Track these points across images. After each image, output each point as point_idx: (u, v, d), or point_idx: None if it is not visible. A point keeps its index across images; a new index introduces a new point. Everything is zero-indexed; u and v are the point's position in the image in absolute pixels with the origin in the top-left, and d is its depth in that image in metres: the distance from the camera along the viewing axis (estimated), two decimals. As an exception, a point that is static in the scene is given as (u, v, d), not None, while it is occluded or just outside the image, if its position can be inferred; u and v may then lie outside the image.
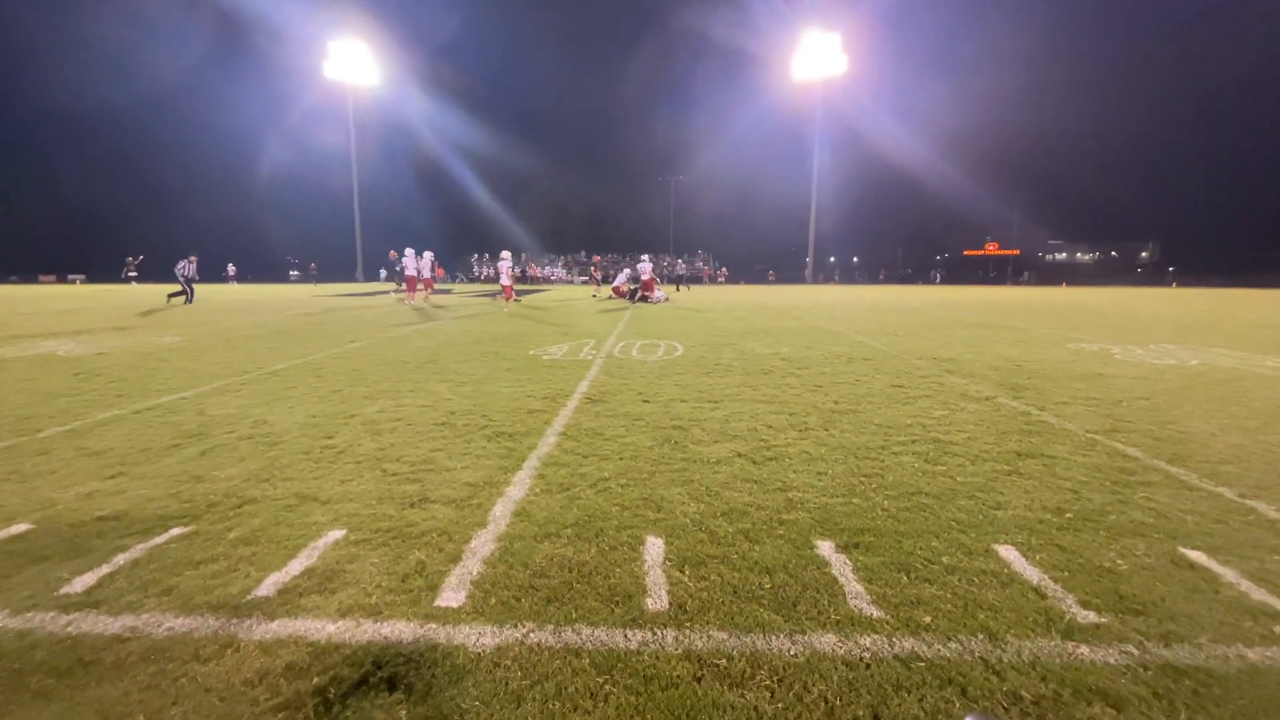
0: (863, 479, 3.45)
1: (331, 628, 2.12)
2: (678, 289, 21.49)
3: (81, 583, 2.40)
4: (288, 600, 2.28)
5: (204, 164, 55.35)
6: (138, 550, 2.64)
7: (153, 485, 3.38)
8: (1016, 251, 64.69)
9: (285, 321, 12.01)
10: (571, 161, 67.16)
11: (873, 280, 53.55)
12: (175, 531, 2.79)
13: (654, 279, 22.00)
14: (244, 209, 54.31)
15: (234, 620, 2.16)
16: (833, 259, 67.66)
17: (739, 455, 3.85)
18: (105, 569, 2.49)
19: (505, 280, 18.73)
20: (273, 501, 3.14)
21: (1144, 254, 68.18)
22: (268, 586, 2.36)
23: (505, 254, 19.22)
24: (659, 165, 65.87)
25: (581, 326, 12.51)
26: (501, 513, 3.00)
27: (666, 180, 64.24)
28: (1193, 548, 2.68)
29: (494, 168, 63.42)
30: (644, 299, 20.92)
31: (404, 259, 19.17)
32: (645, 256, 22.63)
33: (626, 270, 23.44)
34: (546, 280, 52.31)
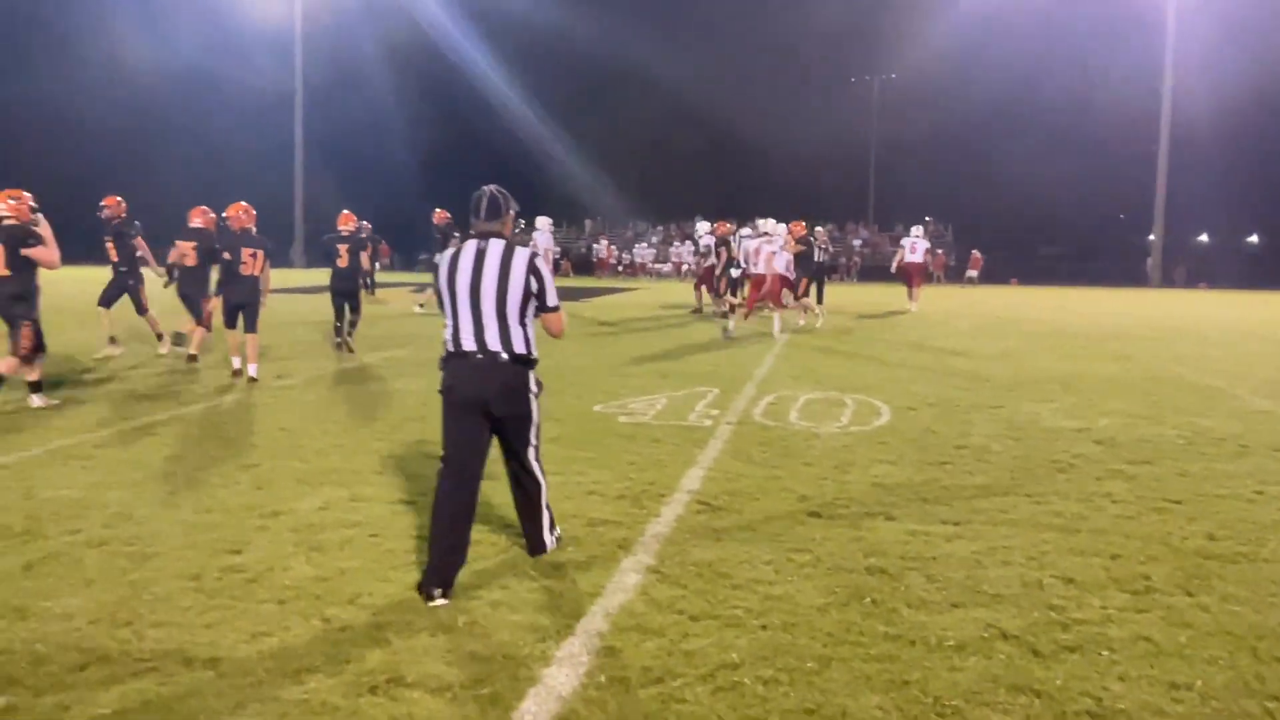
0: (1270, 704, 3.19)
1: None
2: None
3: None
4: None
5: (50, 85, 61.03)
6: (-85, 735, 2.90)
7: (-53, 619, 3.72)
8: None
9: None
10: (674, 51, 67.15)
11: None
12: (-23, 706, 3.05)
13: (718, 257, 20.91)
14: (129, 154, 59.49)
15: None
16: (1205, 238, 64.03)
17: (1002, 636, 3.70)
18: None
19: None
20: (136, 663, 3.35)
21: None
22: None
23: (543, 221, 23.58)
24: (842, 57, 65.26)
25: (693, 361, 12.63)
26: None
27: (862, 83, 63.94)
28: None
29: (530, 70, 65.40)
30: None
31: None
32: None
33: (704, 235, 23.24)
34: (629, 270, 53.35)
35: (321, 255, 17.11)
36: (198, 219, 11.92)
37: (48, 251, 8.35)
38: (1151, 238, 50.82)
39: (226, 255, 10.47)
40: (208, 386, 9.90)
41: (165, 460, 6.55)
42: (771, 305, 17.35)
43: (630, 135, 67.73)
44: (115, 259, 12.20)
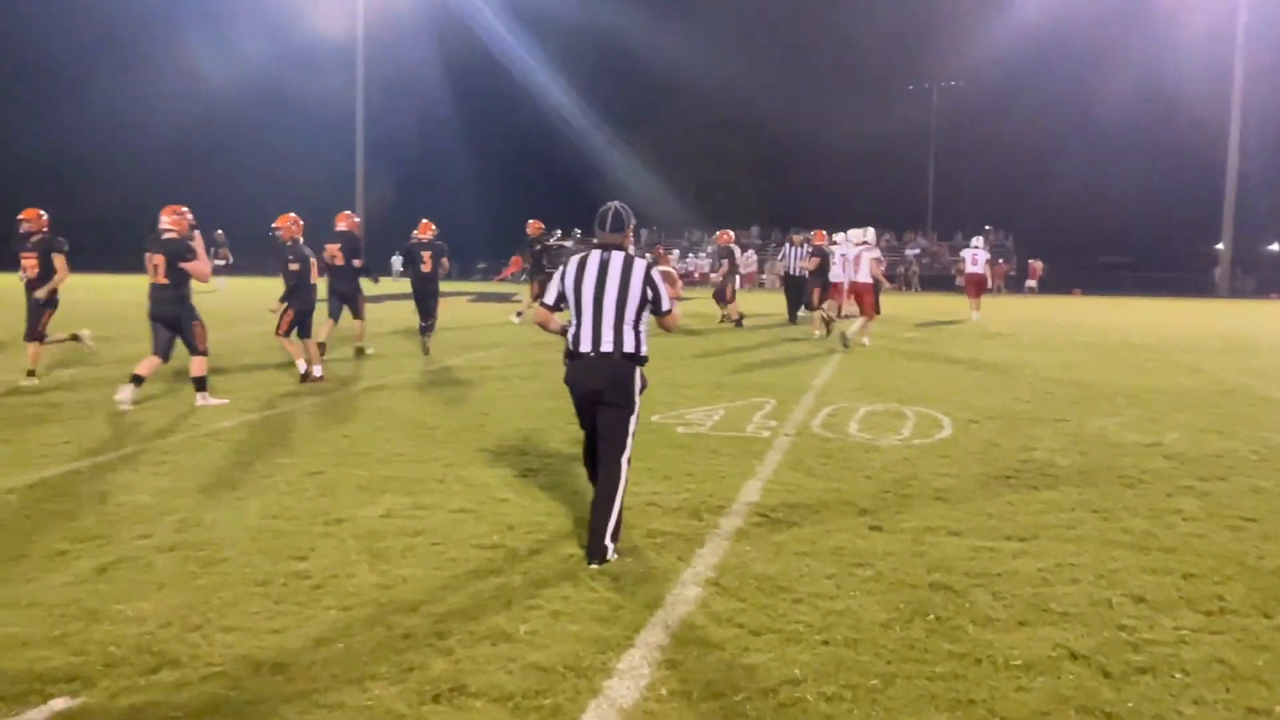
0: (1356, 735, 3.08)
1: None
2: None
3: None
4: None
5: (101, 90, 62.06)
6: (-3, 733, 3.00)
7: (26, 620, 3.84)
8: None
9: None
10: (731, 59, 66.54)
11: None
12: (58, 705, 3.14)
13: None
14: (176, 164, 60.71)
15: None
16: (1275, 247, 62.36)
17: (1071, 656, 3.63)
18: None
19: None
20: (206, 667, 3.43)
21: None
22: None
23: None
24: (902, 64, 64.45)
25: (750, 371, 12.57)
26: (595, 730, 3.04)
27: (921, 90, 63.36)
28: None
29: (586, 80, 65.60)
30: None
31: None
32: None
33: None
34: (686, 279, 53.37)
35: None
36: (343, 223, 13.07)
37: (200, 265, 9.03)
38: (1220, 246, 49.50)
39: (295, 266, 10.76)
40: (271, 393, 10.09)
41: (233, 466, 6.70)
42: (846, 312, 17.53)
43: (686, 144, 67.85)
44: (33, 275, 10.62)
